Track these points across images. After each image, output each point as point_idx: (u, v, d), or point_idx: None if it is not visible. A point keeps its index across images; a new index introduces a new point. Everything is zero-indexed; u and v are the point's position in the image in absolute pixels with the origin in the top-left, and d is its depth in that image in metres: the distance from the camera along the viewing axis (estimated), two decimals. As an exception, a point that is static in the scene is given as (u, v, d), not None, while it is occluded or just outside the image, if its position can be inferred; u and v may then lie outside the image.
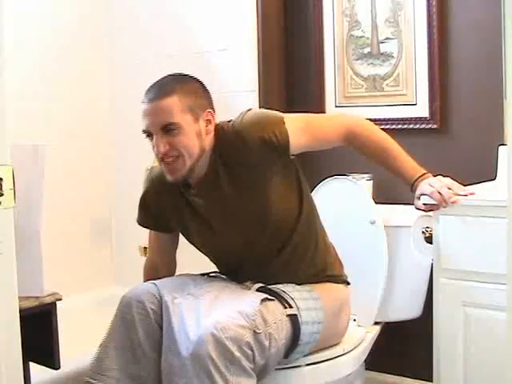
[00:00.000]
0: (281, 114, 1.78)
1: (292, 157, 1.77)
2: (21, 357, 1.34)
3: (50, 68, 2.77)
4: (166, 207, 1.85)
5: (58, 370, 1.69)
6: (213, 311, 1.63)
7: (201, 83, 1.80)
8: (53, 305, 1.62)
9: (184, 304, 1.66)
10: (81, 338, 2.31)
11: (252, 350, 1.57)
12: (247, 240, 1.80)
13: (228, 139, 1.74)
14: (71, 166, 2.85)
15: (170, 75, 1.78)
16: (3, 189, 1.25)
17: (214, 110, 1.78)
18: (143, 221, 1.92)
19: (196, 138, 1.71)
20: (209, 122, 1.75)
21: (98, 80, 2.97)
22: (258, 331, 1.59)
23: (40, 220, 1.59)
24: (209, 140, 1.75)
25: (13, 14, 2.51)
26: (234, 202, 1.77)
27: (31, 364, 1.67)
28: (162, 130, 1.69)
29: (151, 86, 1.74)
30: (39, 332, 1.63)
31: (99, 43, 2.97)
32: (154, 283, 1.75)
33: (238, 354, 1.53)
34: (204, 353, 1.51)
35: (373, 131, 1.85)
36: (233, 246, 1.82)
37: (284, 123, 1.73)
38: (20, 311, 1.34)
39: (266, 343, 1.60)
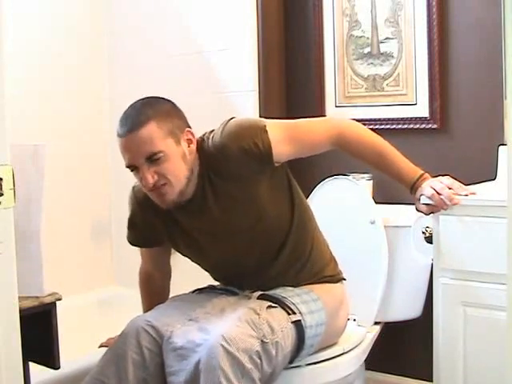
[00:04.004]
0: (263, 121, 1.73)
1: (277, 164, 1.73)
2: (21, 357, 1.34)
3: (49, 68, 2.77)
4: (155, 224, 1.81)
5: (57, 370, 1.69)
6: (219, 321, 1.63)
7: (172, 103, 1.73)
8: (53, 305, 1.62)
9: (187, 331, 1.63)
10: (81, 338, 2.31)
11: (260, 359, 1.57)
12: (241, 253, 1.78)
13: (210, 154, 1.70)
14: (71, 166, 2.85)
15: (138, 101, 1.70)
16: (3, 189, 1.25)
17: (190, 128, 1.72)
18: (133, 240, 1.89)
19: (182, 162, 1.67)
20: (190, 141, 1.70)
21: (97, 79, 2.97)
22: (265, 340, 1.58)
23: (40, 220, 1.59)
24: (193, 159, 1.70)
25: (13, 14, 2.51)
26: (223, 220, 1.74)
27: (31, 364, 1.67)
28: (146, 160, 1.63)
29: (124, 118, 1.66)
30: (39, 332, 1.63)
31: (99, 43, 2.97)
32: (151, 321, 1.69)
33: (248, 365, 1.53)
34: (215, 365, 1.49)
35: (362, 133, 1.80)
36: (226, 259, 1.81)
37: (266, 132, 1.68)
38: (20, 311, 1.34)
39: (273, 352, 1.60)
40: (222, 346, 1.51)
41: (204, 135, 1.76)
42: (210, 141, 1.72)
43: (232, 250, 1.78)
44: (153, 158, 1.63)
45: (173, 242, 1.86)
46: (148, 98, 1.72)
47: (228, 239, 1.77)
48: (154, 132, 1.63)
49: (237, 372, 1.51)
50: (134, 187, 1.84)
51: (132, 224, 1.86)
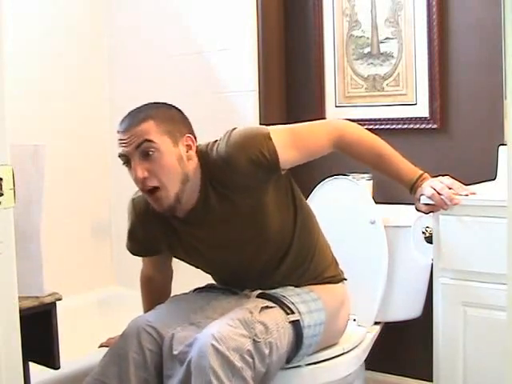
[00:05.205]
0: (266, 128, 1.71)
1: (283, 172, 1.72)
2: (21, 357, 1.34)
3: (49, 68, 2.77)
4: (156, 235, 1.80)
5: (57, 370, 1.68)
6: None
7: (178, 110, 1.72)
8: (53, 305, 1.62)
9: (188, 336, 1.62)
10: (81, 338, 2.31)
11: (252, 358, 1.56)
12: (244, 262, 1.78)
13: (215, 165, 1.68)
14: (71, 167, 2.85)
15: (144, 104, 1.70)
16: (3, 189, 1.25)
17: (194, 136, 1.71)
18: (134, 250, 1.87)
19: (177, 164, 1.63)
20: (189, 147, 1.67)
21: (97, 80, 2.97)
22: (257, 340, 1.58)
23: (40, 220, 1.59)
24: (192, 166, 1.67)
25: (13, 14, 2.51)
26: (228, 230, 1.73)
27: (31, 364, 1.67)
28: (138, 150, 1.61)
29: (125, 116, 1.67)
30: (39, 332, 1.63)
31: (99, 43, 2.97)
32: (152, 322, 1.68)
33: (239, 364, 1.52)
34: (205, 364, 1.49)
35: (362, 134, 1.81)
36: (229, 267, 1.81)
37: (270, 139, 1.66)
38: (20, 311, 1.34)
39: (266, 351, 1.59)
40: (212, 345, 1.50)
41: (207, 146, 1.73)
42: (215, 152, 1.69)
43: (235, 258, 1.78)
44: (145, 150, 1.61)
45: (173, 252, 1.85)
46: (155, 102, 1.72)
47: (231, 249, 1.76)
48: (150, 128, 1.62)
49: (227, 371, 1.50)
50: (133, 199, 1.81)
51: (132, 236, 1.84)
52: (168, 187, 1.63)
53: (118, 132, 1.66)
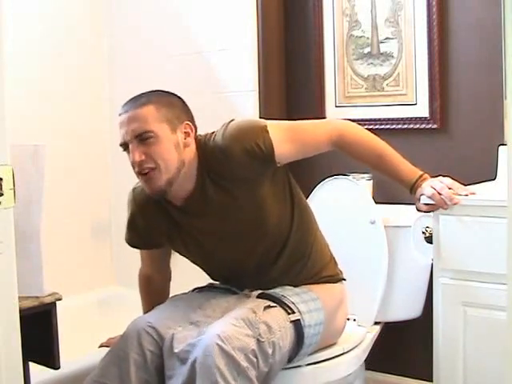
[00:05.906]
0: (264, 121, 1.73)
1: (279, 165, 1.73)
2: (21, 357, 1.34)
3: (49, 68, 2.77)
4: (155, 226, 1.81)
5: (57, 370, 1.68)
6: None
7: (180, 98, 1.76)
8: (53, 305, 1.62)
9: (188, 336, 1.63)
10: (81, 338, 2.31)
11: (256, 358, 1.56)
12: (242, 253, 1.78)
13: (212, 155, 1.70)
14: (71, 166, 2.85)
15: (148, 91, 1.74)
16: (3, 189, 1.25)
17: (193, 124, 1.74)
18: (132, 241, 1.88)
19: (174, 149, 1.67)
20: (187, 134, 1.71)
21: (98, 79, 2.97)
22: (261, 339, 1.58)
23: (40, 220, 1.59)
24: (188, 153, 1.70)
25: (13, 14, 2.51)
26: (227, 221, 1.74)
27: (31, 364, 1.67)
28: (137, 138, 1.65)
29: (128, 100, 1.72)
30: (39, 332, 1.63)
31: (99, 43, 2.97)
32: (152, 322, 1.68)
33: (244, 363, 1.52)
34: (211, 363, 1.49)
35: (362, 135, 1.81)
36: (226, 260, 1.81)
37: (267, 131, 1.68)
38: (20, 311, 1.34)
39: (269, 351, 1.59)
40: (218, 344, 1.51)
41: (205, 137, 1.75)
42: (211, 142, 1.71)
43: (233, 250, 1.78)
44: (143, 137, 1.65)
45: (172, 243, 1.85)
46: (158, 89, 1.75)
47: (230, 241, 1.76)
48: (149, 114, 1.66)
49: (232, 371, 1.51)
50: (134, 189, 1.84)
51: (131, 226, 1.85)
52: (163, 170, 1.66)
53: (120, 114, 1.70)
